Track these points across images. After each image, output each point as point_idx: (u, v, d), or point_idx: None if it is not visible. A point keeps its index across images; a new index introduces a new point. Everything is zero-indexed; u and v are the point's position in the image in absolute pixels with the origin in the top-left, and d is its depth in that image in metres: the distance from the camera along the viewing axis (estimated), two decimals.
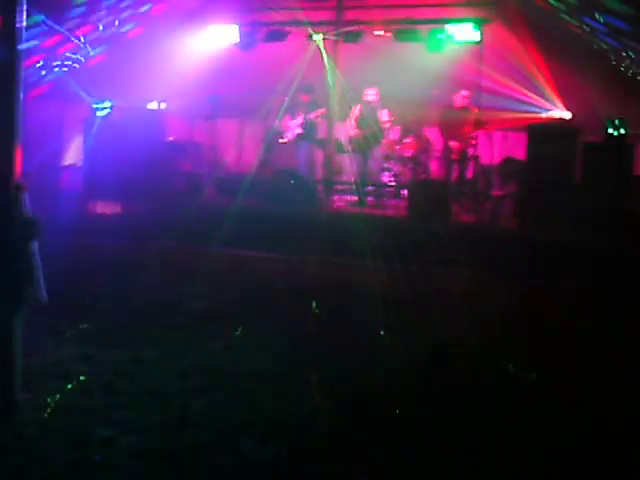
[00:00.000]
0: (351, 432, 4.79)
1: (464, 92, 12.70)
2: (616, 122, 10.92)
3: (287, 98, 13.69)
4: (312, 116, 13.66)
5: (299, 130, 13.74)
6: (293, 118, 13.86)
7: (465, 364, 6.24)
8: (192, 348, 6.43)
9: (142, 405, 5.10)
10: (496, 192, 12.57)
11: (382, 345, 6.73)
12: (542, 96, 12.69)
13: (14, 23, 4.71)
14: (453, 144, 12.81)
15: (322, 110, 13.53)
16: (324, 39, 13.60)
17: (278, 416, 5.00)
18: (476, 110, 12.66)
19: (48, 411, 4.91)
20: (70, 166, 14.20)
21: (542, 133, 11.46)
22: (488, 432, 4.90)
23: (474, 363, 6.26)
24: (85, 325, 6.94)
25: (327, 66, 13.28)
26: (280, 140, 14.04)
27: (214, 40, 14.40)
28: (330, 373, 5.94)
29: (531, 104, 12.74)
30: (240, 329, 7.02)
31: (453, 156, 12.94)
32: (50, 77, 12.55)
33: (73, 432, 4.64)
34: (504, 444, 4.74)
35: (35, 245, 4.79)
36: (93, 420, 4.82)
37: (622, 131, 10.91)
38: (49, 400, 5.09)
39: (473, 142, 12.67)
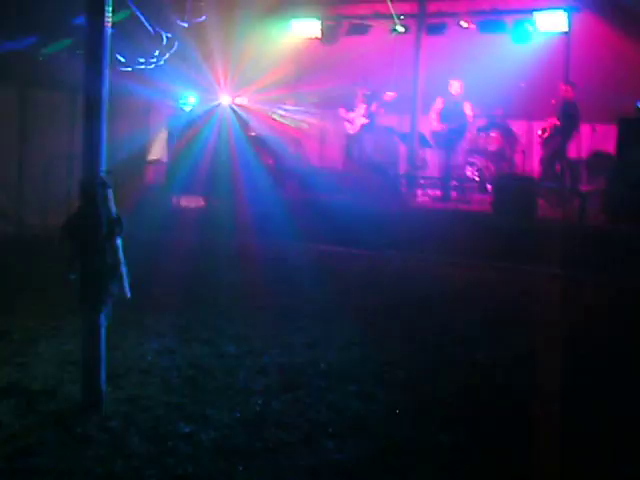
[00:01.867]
0: (435, 436, 4.68)
1: (565, 86, 12.29)
2: None
3: (365, 90, 13.64)
4: (382, 99, 13.53)
5: (364, 120, 13.63)
6: (351, 111, 13.77)
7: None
8: (274, 344, 6.41)
9: (223, 401, 5.10)
10: (584, 187, 12.20)
11: (470, 346, 6.57)
12: (635, 86, 12.22)
13: (101, 20, 4.76)
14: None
15: (393, 93, 13.38)
16: (407, 32, 13.46)
17: (359, 416, 4.92)
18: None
19: (131, 404, 4.96)
20: (155, 161, 14.45)
21: (633, 125, 11.06)
22: None
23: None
24: (168, 319, 7.03)
25: (409, 59, 13.13)
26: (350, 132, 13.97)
27: (297, 34, 14.42)
28: (416, 374, 5.83)
29: (622, 95, 12.28)
30: (322, 327, 6.98)
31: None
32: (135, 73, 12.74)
33: (155, 426, 4.67)
34: None
35: (119, 241, 4.85)
36: (175, 415, 4.85)
37: None
38: (133, 394, 5.16)
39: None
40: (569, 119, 12.13)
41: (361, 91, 13.83)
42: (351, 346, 6.42)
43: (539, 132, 12.61)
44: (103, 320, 4.86)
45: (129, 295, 4.96)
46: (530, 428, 4.80)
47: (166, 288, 7.96)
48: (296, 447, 4.48)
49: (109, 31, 4.80)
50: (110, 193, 4.77)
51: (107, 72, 4.78)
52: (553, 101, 12.31)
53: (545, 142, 12.57)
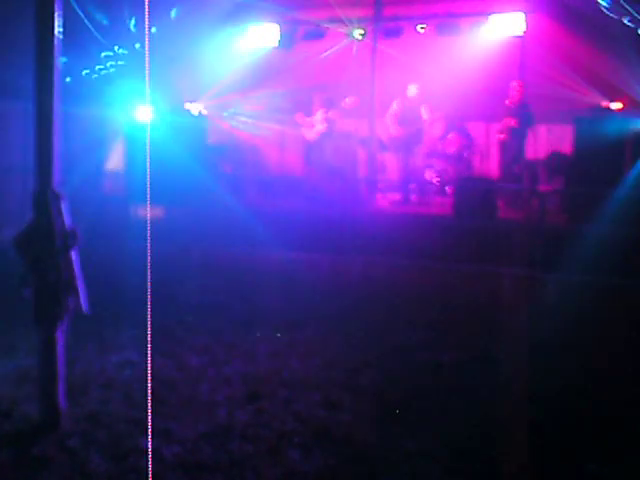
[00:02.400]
0: (401, 442, 4.63)
1: (515, 83, 12.41)
2: None
3: (323, 95, 13.61)
4: (341, 105, 13.55)
5: (322, 126, 13.62)
6: (308, 116, 13.76)
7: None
8: (237, 354, 6.32)
9: (186, 414, 5.00)
10: (543, 187, 12.30)
11: (436, 349, 6.53)
12: (589, 87, 12.37)
13: (51, 28, 4.63)
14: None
15: (353, 99, 13.39)
16: (364, 35, 13.48)
17: (325, 425, 4.86)
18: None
19: (91, 421, 4.83)
20: (112, 171, 14.24)
21: (590, 125, 11.17)
22: None
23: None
24: (129, 332, 6.89)
25: (366, 63, 13.13)
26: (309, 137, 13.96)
27: (253, 40, 14.37)
28: (381, 379, 5.78)
29: (578, 95, 12.43)
30: (287, 334, 6.90)
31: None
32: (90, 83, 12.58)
33: (117, 443, 4.55)
34: None
35: (75, 254, 4.72)
36: (136, 430, 4.72)
37: None
38: (92, 410, 5.03)
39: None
40: (525, 118, 12.23)
41: (318, 96, 13.80)
42: (314, 353, 6.34)
43: (498, 135, 12.70)
44: (60, 336, 4.72)
45: (86, 310, 4.83)
46: (497, 429, 4.79)
47: (126, 300, 7.80)
48: (262, 459, 4.39)
49: (60, 39, 4.68)
50: (64, 205, 4.65)
51: (59, 81, 4.66)
52: (508, 102, 12.40)
53: (503, 144, 12.65)
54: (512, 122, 12.26)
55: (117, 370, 5.90)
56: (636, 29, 11.54)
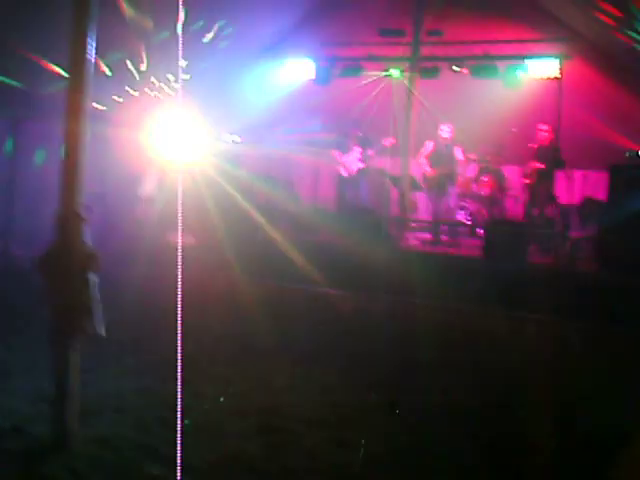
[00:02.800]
0: None
1: (543, 126, 12.37)
2: None
3: (358, 132, 13.68)
4: (380, 144, 13.61)
5: (360, 164, 13.69)
6: (344, 153, 13.83)
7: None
8: (253, 386, 6.30)
9: (197, 443, 4.98)
10: (575, 233, 12.15)
11: (452, 393, 6.43)
12: (626, 133, 12.26)
13: (83, 54, 4.73)
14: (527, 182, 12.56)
15: (392, 139, 13.44)
16: (401, 73, 13.57)
17: (335, 463, 4.80)
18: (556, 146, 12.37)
19: (101, 444, 4.83)
20: (146, 196, 14.38)
21: (625, 172, 11.04)
22: None
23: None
24: (149, 358, 6.91)
25: (402, 102, 13.19)
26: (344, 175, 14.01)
27: (290, 75, 14.53)
28: (394, 420, 5.70)
29: (614, 142, 12.32)
30: (305, 369, 6.86)
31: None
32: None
33: (124, 468, 4.55)
34: None
35: (94, 278, 4.76)
36: (145, 456, 4.72)
37: None
38: (103, 433, 5.03)
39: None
40: (553, 161, 12.17)
41: (354, 133, 13.88)
42: (331, 390, 6.30)
43: (524, 178, 12.67)
44: (73, 357, 4.75)
45: (103, 334, 4.86)
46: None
47: (150, 326, 7.85)
48: None
49: (91, 67, 4.78)
50: (86, 228, 4.70)
51: (86, 104, 4.74)
52: (534, 145, 12.37)
53: (530, 187, 12.57)
54: (539, 165, 12.20)
55: (133, 395, 5.91)
56: None
